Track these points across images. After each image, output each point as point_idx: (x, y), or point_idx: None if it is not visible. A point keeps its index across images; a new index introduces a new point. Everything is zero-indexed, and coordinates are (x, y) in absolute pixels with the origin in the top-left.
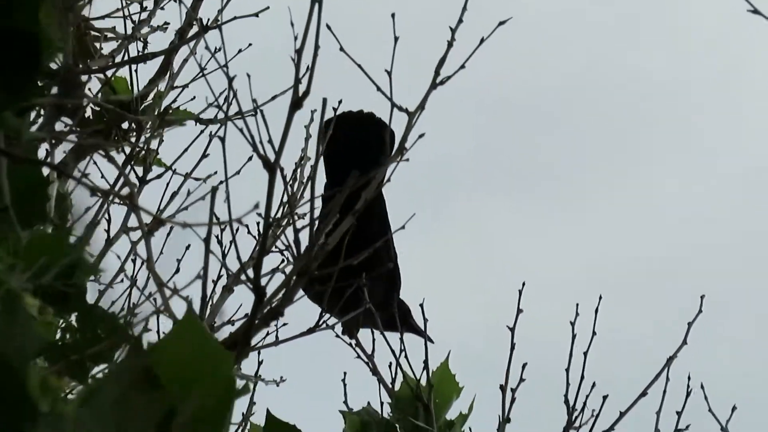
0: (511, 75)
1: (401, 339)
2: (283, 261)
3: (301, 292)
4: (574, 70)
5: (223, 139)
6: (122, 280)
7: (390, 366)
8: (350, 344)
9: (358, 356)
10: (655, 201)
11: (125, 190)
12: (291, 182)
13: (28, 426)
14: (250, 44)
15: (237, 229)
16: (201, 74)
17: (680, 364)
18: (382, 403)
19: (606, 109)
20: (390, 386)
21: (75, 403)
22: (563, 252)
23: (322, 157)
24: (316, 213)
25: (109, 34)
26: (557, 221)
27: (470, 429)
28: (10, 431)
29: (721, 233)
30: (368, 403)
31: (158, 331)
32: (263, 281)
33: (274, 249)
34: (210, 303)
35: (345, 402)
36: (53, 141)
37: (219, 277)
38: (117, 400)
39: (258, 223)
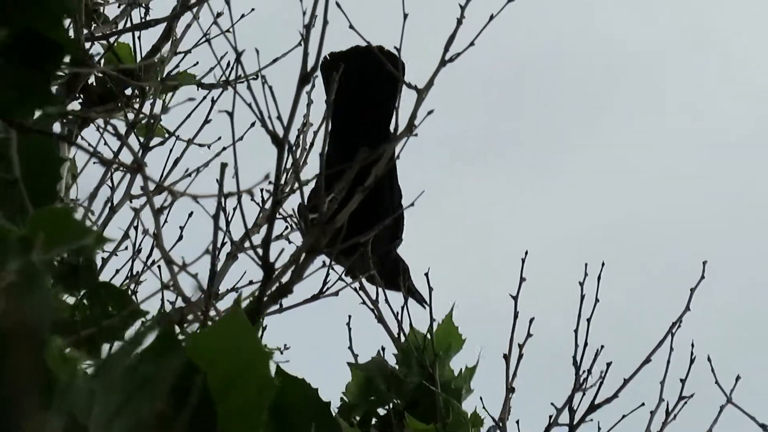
0: (489, 45)
1: (404, 296)
2: (287, 228)
3: (320, 271)
4: (546, 38)
5: (231, 114)
6: (126, 248)
7: (396, 315)
8: (355, 289)
9: (363, 302)
10: (627, 164)
11: (130, 159)
12: (294, 149)
13: (46, 396)
14: (252, 9)
15: (241, 196)
16: (204, 39)
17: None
18: (383, 349)
19: (574, 76)
20: (395, 336)
21: (96, 375)
22: (541, 221)
23: (328, 121)
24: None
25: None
26: (532, 191)
27: (481, 399)
28: (29, 401)
29: (693, 194)
30: (378, 352)
31: (162, 308)
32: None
33: (278, 216)
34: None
35: (350, 348)
36: (66, 118)
37: (223, 244)
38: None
39: (261, 190)
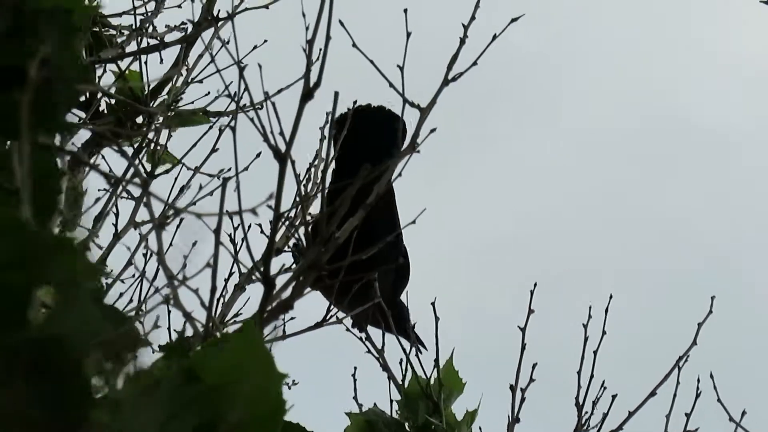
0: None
1: (411, 340)
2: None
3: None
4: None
5: (233, 129)
6: (133, 275)
7: (401, 362)
8: (361, 339)
9: (369, 351)
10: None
11: (137, 180)
12: (305, 182)
13: (83, 407)
14: (265, 41)
15: (249, 226)
16: (211, 62)
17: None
18: (392, 401)
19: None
20: (400, 383)
21: (131, 390)
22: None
23: (332, 150)
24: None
25: (123, 30)
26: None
27: (480, 428)
28: (66, 412)
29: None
30: (374, 404)
31: (169, 327)
32: (273, 274)
33: (286, 249)
34: (222, 300)
35: (355, 398)
36: (68, 132)
37: (231, 274)
38: (168, 397)
39: (270, 221)
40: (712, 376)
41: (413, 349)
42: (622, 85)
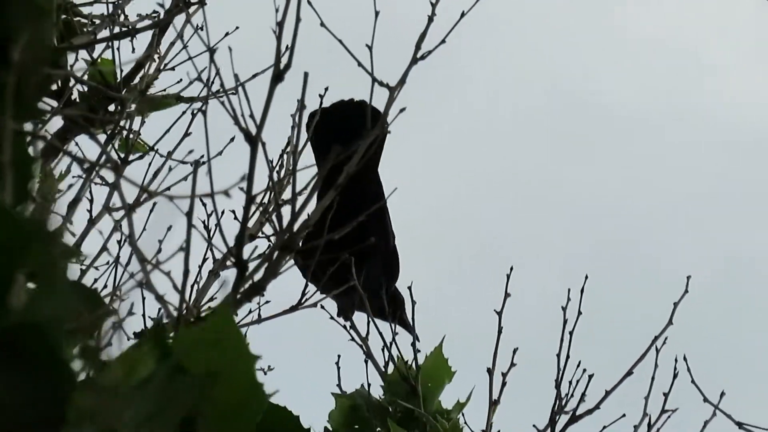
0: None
1: (392, 328)
2: (269, 246)
3: (295, 269)
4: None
5: (204, 113)
6: (107, 262)
7: (383, 350)
8: (344, 326)
9: (352, 339)
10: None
11: (110, 165)
12: (278, 168)
13: (65, 391)
14: (237, 27)
15: (223, 212)
16: (183, 48)
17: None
18: (369, 385)
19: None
20: (383, 369)
21: (117, 379)
22: None
23: (303, 134)
24: (297, 188)
25: (95, 19)
26: None
27: (463, 414)
28: (49, 397)
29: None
30: (362, 385)
31: (143, 311)
32: (246, 258)
33: (260, 234)
34: (196, 286)
35: (338, 385)
36: (39, 119)
37: (204, 260)
38: (155, 390)
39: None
40: (685, 359)
41: (410, 333)
42: (529, 62)
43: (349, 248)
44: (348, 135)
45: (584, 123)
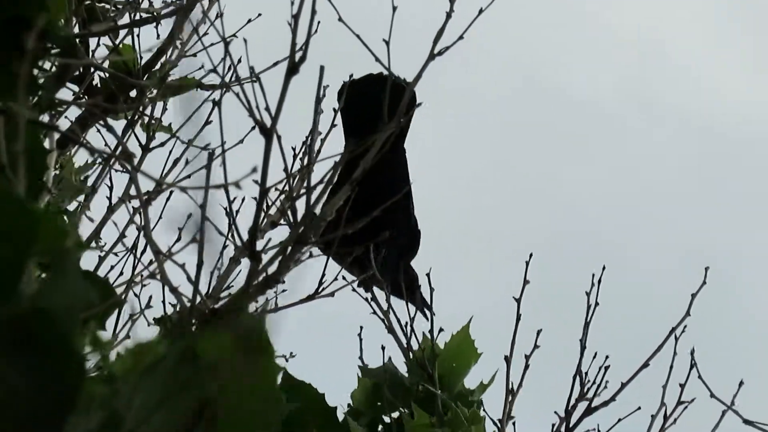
0: None
1: (407, 306)
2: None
3: (310, 262)
4: None
5: (219, 104)
6: (125, 249)
7: (404, 326)
8: (366, 299)
9: (374, 312)
10: None
11: (124, 157)
12: (300, 156)
13: (76, 381)
14: (259, 14)
15: (243, 199)
16: (200, 38)
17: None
18: (390, 359)
19: None
20: (405, 346)
21: (128, 367)
22: None
23: (319, 128)
24: (313, 180)
25: (118, 4)
26: None
27: (481, 400)
28: (59, 384)
29: None
30: (389, 358)
31: (163, 302)
32: (260, 249)
33: (282, 222)
34: (217, 273)
35: (360, 357)
36: (56, 110)
37: (224, 247)
38: (166, 376)
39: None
40: (692, 353)
41: (421, 313)
42: (499, 52)
43: (372, 232)
44: (378, 109)
45: (551, 114)
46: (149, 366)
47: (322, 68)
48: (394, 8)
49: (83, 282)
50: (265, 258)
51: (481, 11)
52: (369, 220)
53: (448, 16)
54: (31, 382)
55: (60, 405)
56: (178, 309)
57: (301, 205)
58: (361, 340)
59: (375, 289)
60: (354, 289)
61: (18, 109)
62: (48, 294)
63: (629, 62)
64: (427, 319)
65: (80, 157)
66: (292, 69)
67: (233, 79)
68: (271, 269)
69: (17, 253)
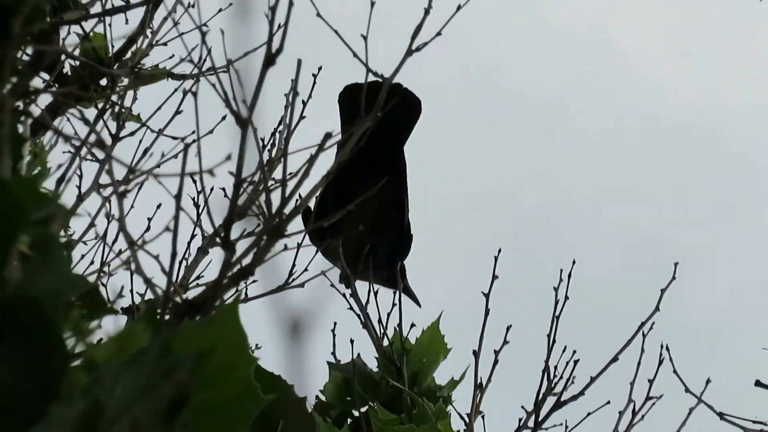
0: None
1: (394, 297)
2: (258, 225)
3: (284, 255)
4: None
5: (195, 94)
6: (95, 238)
7: (379, 321)
8: (344, 295)
9: (351, 308)
10: None
11: (96, 144)
12: (270, 147)
13: (59, 368)
14: (230, 4)
15: (212, 189)
16: (174, 26)
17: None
18: (359, 355)
19: None
20: (379, 341)
21: (110, 357)
22: None
23: (294, 119)
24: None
25: None
26: None
27: (450, 396)
28: (43, 371)
29: None
30: (358, 354)
31: (131, 291)
32: (234, 239)
33: (250, 213)
34: (185, 263)
35: (333, 353)
36: (28, 98)
37: (193, 236)
38: (147, 368)
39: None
40: (667, 348)
41: (414, 302)
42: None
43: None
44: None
45: (498, 108)
46: (133, 356)
47: (299, 61)
48: (372, 3)
49: (69, 268)
50: (239, 249)
51: (459, 8)
52: (360, 215)
53: (426, 12)
54: (15, 369)
55: (43, 393)
56: (151, 300)
57: (276, 196)
58: (334, 335)
59: (356, 284)
60: (333, 285)
61: (2, 95)
62: (33, 280)
63: (574, 55)
64: (420, 306)
65: (49, 143)
66: (269, 60)
67: (203, 69)
68: (245, 261)
69: (3, 238)
